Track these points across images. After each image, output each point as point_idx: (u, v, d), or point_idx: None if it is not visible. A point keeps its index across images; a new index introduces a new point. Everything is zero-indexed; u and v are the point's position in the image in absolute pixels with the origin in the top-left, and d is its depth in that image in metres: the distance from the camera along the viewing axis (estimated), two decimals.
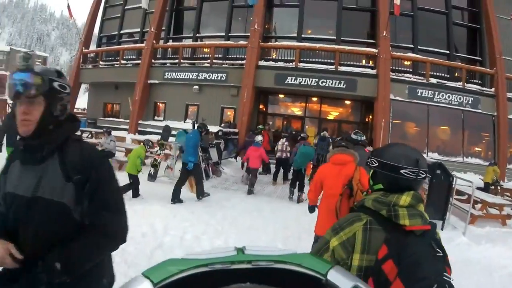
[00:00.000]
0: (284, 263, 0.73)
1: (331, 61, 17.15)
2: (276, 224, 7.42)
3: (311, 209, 4.82)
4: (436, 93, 16.95)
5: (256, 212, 8.39)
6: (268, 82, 17.55)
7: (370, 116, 18.51)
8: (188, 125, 16.05)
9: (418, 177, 1.65)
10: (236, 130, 15.48)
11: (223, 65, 18.75)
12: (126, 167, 8.52)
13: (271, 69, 17.55)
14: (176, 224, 6.63)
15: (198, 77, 19.02)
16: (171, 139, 13.19)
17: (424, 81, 16.97)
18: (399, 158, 1.68)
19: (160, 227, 6.34)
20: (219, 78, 18.53)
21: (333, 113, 19.97)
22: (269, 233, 6.84)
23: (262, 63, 17.74)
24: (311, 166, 11.89)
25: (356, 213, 1.71)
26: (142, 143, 8.90)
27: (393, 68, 16.87)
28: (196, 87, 18.91)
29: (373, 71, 16.83)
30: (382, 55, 16.38)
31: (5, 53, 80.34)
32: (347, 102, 19.43)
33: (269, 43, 19.07)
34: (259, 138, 11.08)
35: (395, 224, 1.55)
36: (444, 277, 1.41)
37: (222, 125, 17.33)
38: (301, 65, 17.22)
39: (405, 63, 17.84)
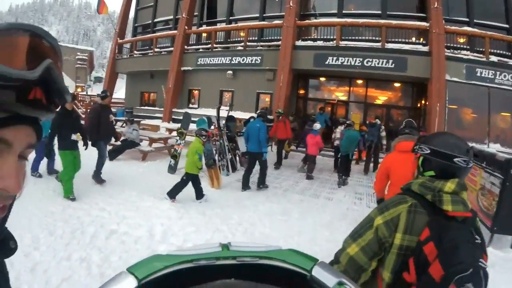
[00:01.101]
0: (269, 259, 0.70)
1: (377, 38, 15.34)
2: (302, 234, 5.86)
3: (380, 201, 4.42)
4: (498, 73, 14.66)
5: (281, 215, 6.80)
6: (307, 64, 15.94)
7: (423, 101, 16.57)
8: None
9: (468, 165, 1.72)
10: (271, 117, 14.02)
11: (258, 48, 17.43)
12: (186, 165, 7.25)
13: (310, 49, 15.92)
14: (178, 229, 5.45)
15: (232, 62, 17.87)
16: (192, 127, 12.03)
17: (484, 59, 14.73)
18: (452, 146, 1.74)
19: (159, 232, 5.27)
20: (253, 61, 17.23)
21: (380, 97, 17.89)
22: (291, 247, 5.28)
23: (299, 43, 16.22)
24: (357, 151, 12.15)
25: (402, 195, 1.81)
26: (196, 135, 7.57)
27: (447, 45, 14.78)
28: (230, 72, 17.78)
29: (425, 48, 14.82)
30: (434, 29, 14.39)
31: None
32: (396, 85, 17.32)
33: (307, 21, 17.32)
34: (317, 126, 10.79)
35: (438, 209, 1.64)
36: (479, 263, 1.43)
37: (258, 111, 16.03)
38: (343, 43, 15.50)
39: (460, 40, 15.69)
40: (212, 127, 10.79)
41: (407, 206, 1.72)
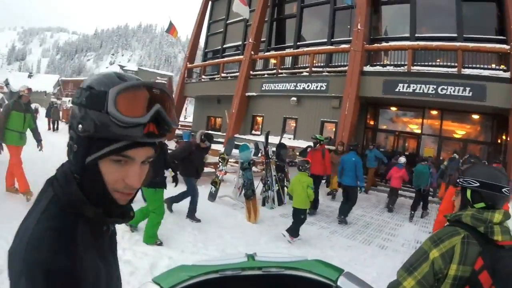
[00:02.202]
0: (295, 269, 0.83)
1: (453, 64, 13.99)
2: None
3: None
4: None
5: None
6: (375, 91, 14.97)
7: (503, 136, 14.83)
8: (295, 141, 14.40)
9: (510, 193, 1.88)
10: (332, 148, 13.23)
11: (324, 73, 16.79)
12: (294, 201, 7.03)
13: (378, 75, 14.98)
14: None
15: (297, 88, 17.33)
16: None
17: None
18: (498, 177, 1.88)
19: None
20: (318, 88, 16.56)
21: (457, 131, 16.20)
22: None
23: (367, 68, 15.36)
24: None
25: (454, 227, 1.89)
26: (300, 169, 7.22)
27: None
28: (294, 98, 17.26)
29: (506, 74, 13.21)
30: None
31: (133, 72, 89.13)
32: (475, 117, 15.64)
33: (375, 44, 16.33)
34: (402, 160, 11.01)
35: (488, 239, 1.76)
36: None
37: (350, 144, 15.24)
38: (415, 68, 14.39)
39: None
40: (259, 154, 10.27)
41: (460, 238, 1.80)
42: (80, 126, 0.89)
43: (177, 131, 24.78)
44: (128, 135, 0.87)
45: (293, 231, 6.85)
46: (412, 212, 10.29)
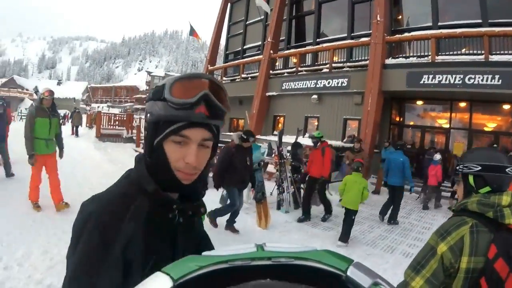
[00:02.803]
0: (304, 259, 0.69)
1: (479, 52, 13.09)
2: None
3: None
4: None
5: None
6: (399, 84, 14.22)
7: None
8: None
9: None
10: (349, 145, 12.66)
11: (344, 69, 16.20)
12: (346, 201, 6.93)
13: (401, 68, 14.20)
14: None
15: (317, 85, 16.84)
16: None
17: None
18: (498, 158, 1.83)
19: None
20: (339, 84, 15.98)
21: (488, 123, 15.08)
22: None
23: (389, 61, 14.66)
24: None
25: (460, 217, 1.79)
26: (357, 169, 7.09)
27: None
28: (315, 96, 16.75)
29: None
30: None
31: (160, 78, 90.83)
32: (506, 107, 14.49)
33: (396, 35, 15.44)
34: (437, 157, 10.93)
35: (499, 224, 1.66)
36: None
37: (344, 140, 14.80)
38: (439, 58, 13.57)
39: None
40: (273, 155, 9.80)
41: (468, 227, 1.72)
42: (148, 115, 1.05)
43: None
44: (183, 115, 0.99)
45: (346, 236, 6.87)
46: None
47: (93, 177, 10.18)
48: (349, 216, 6.84)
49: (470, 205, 1.76)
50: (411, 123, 16.83)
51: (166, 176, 1.06)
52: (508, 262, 1.55)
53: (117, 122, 20.80)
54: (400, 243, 7.40)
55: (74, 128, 22.70)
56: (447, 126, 15.54)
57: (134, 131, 19.38)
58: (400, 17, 16.58)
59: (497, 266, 1.56)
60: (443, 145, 15.34)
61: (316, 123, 17.42)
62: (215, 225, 6.95)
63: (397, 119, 16.88)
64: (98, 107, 58.66)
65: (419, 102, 16.22)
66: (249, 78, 21.45)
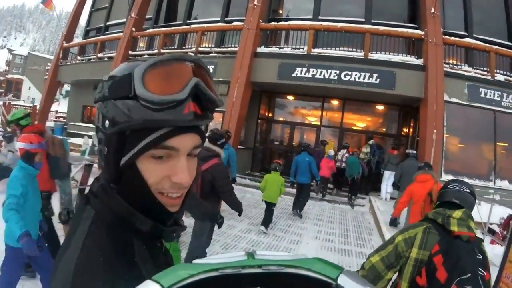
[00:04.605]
0: (295, 267, 0.70)
1: (359, 50, 12.26)
2: None
3: (393, 221, 7.96)
4: (505, 94, 11.97)
5: None
6: (270, 76, 12.71)
7: (411, 127, 13.94)
8: None
9: (461, 190, 2.35)
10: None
11: (211, 54, 14.07)
12: (267, 196, 8.08)
13: (274, 57, 12.71)
14: None
15: None
16: None
17: (489, 77, 11.93)
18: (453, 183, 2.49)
19: None
20: None
21: (359, 123, 15.30)
22: None
23: (261, 49, 13.00)
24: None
25: (421, 221, 2.39)
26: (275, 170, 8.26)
27: (445, 61, 11.91)
28: None
29: (419, 61, 11.89)
30: (431, 38, 11.44)
31: (22, 57, 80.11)
32: (379, 107, 14.56)
33: (272, 23, 14.03)
34: (331, 152, 11.79)
35: (447, 231, 2.14)
36: (478, 271, 1.98)
37: (206, 134, 12.64)
38: (316, 51, 12.36)
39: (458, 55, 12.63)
40: None
41: (422, 228, 2.24)
42: (106, 122, 0.75)
43: (48, 123, 20.98)
44: (166, 119, 0.72)
45: (267, 223, 8.00)
46: (352, 199, 11.81)
47: None
48: (270, 208, 8.06)
49: (429, 214, 2.33)
50: (281, 118, 16.06)
51: (148, 206, 0.79)
52: (444, 258, 2.05)
53: None
54: (286, 235, 8.16)
55: None
56: (318, 123, 15.12)
57: None
58: (280, 8, 15.35)
59: (436, 259, 2.07)
60: (313, 142, 14.54)
61: None
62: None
63: (266, 113, 15.88)
64: None
65: (291, 97, 15.38)
66: (106, 59, 18.29)
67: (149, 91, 0.69)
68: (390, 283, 2.33)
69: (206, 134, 6.61)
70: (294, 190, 10.11)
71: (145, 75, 0.70)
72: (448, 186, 2.41)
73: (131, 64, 0.74)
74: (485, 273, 2.01)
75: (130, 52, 16.61)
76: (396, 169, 9.93)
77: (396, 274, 2.32)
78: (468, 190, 2.35)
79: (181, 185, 0.77)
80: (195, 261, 0.65)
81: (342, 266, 0.66)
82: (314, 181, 10.23)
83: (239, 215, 5.11)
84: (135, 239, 0.79)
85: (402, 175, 8.92)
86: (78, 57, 20.71)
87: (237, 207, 4.88)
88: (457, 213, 2.14)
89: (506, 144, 12.28)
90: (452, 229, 2.10)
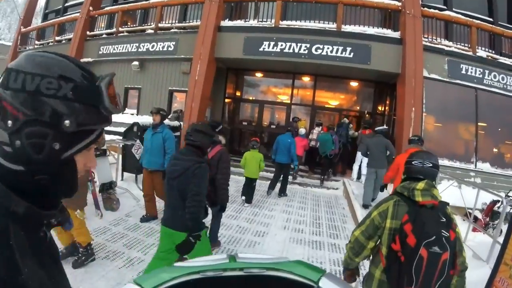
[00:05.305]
0: (276, 270, 0.75)
1: (331, 22, 11.37)
2: None
3: (383, 187, 7.81)
4: (486, 72, 11.22)
5: None
6: (235, 51, 11.64)
7: (386, 105, 13.25)
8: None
9: (424, 165, 2.61)
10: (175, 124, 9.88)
11: (172, 30, 12.92)
12: (249, 172, 8.43)
13: (239, 31, 11.65)
14: None
15: (139, 49, 13.33)
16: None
17: (470, 53, 11.19)
18: (412, 155, 2.74)
19: None
20: (165, 48, 12.71)
21: (331, 101, 14.65)
22: None
23: (225, 23, 11.91)
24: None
25: (391, 195, 2.70)
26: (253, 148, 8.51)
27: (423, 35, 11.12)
28: (136, 63, 13.17)
29: (395, 34, 11.04)
30: (408, 10, 10.61)
31: None
32: (353, 84, 13.84)
33: None
34: (302, 131, 11.39)
35: (413, 201, 2.46)
36: (442, 233, 2.28)
37: (170, 116, 11.64)
38: (284, 23, 11.37)
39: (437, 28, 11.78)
40: None
41: (392, 202, 2.57)
42: (67, 121, 0.83)
43: None
44: (106, 123, 0.91)
45: (250, 198, 8.63)
46: (324, 178, 11.49)
47: None
48: (251, 184, 8.49)
49: (398, 188, 2.62)
50: (250, 97, 15.22)
51: (69, 192, 0.92)
52: (413, 225, 2.33)
53: None
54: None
55: None
56: (288, 101, 14.33)
57: None
58: None
59: (406, 227, 2.36)
60: (284, 121, 14.09)
61: (137, 96, 13.94)
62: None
63: (234, 92, 14.91)
64: None
65: (259, 75, 14.34)
66: (63, 41, 16.95)
67: (112, 105, 0.87)
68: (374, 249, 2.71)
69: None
70: (265, 174, 10.25)
71: (108, 91, 0.87)
72: (412, 163, 2.64)
73: (76, 69, 0.85)
74: (449, 233, 2.31)
75: (88, 32, 15.28)
76: None
77: (379, 241, 2.65)
78: (431, 164, 2.61)
79: (91, 168, 0.98)
80: (177, 264, 0.67)
81: (322, 268, 0.71)
82: (292, 165, 9.95)
83: (221, 209, 5.29)
84: (13, 225, 0.77)
85: (369, 153, 8.77)
86: (37, 42, 19.22)
87: (223, 199, 5.11)
88: (420, 185, 2.47)
89: (487, 125, 11.62)
90: (417, 200, 2.42)
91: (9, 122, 0.79)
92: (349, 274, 2.96)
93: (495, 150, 11.72)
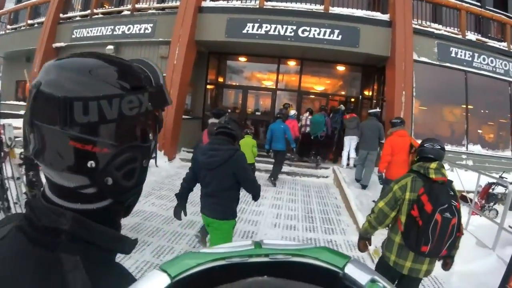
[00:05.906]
0: (302, 256, 0.67)
1: (318, 3, 11.04)
2: None
3: (380, 177, 7.41)
4: (476, 55, 11.26)
5: None
6: (217, 34, 11.10)
7: (374, 90, 13.14)
8: None
9: (434, 147, 3.20)
10: None
11: (149, 11, 12.25)
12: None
13: (221, 12, 11.10)
14: None
15: (114, 32, 12.61)
16: None
17: (459, 36, 11.16)
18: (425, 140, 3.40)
19: None
20: (142, 31, 12.03)
21: (317, 86, 14.45)
22: None
23: (207, 3, 11.30)
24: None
25: (408, 173, 3.25)
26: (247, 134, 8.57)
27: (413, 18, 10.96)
28: (111, 47, 12.33)
29: (385, 17, 10.79)
30: None
31: None
32: (340, 69, 13.55)
33: None
34: (292, 112, 11.14)
35: (428, 178, 3.02)
36: (452, 202, 2.88)
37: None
38: (269, 4, 10.90)
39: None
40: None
41: (410, 178, 3.13)
42: (150, 134, 0.75)
43: None
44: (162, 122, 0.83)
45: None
46: (318, 158, 11.23)
47: None
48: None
49: (414, 167, 3.21)
50: (233, 83, 14.77)
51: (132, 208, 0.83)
52: (429, 196, 2.89)
53: None
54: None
55: None
56: (274, 87, 13.83)
57: None
58: None
59: (423, 198, 2.91)
60: (269, 108, 13.88)
61: None
62: None
63: (216, 78, 14.37)
64: None
65: (243, 59, 13.83)
66: (36, 25, 16.05)
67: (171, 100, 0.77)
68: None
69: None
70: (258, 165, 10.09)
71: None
72: (424, 145, 3.27)
73: (138, 71, 0.70)
74: (456, 203, 2.94)
75: (61, 15, 14.45)
76: (353, 133, 10.21)
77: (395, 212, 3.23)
78: (439, 147, 3.23)
79: None
80: (202, 250, 0.63)
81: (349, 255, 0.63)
82: (291, 147, 10.13)
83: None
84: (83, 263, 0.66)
85: (362, 135, 9.33)
86: (9, 26, 18.26)
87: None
88: (433, 165, 3.08)
89: (476, 107, 11.76)
90: (431, 177, 3.02)
91: (91, 162, 0.65)
92: (363, 243, 3.56)
93: (483, 132, 12.00)
